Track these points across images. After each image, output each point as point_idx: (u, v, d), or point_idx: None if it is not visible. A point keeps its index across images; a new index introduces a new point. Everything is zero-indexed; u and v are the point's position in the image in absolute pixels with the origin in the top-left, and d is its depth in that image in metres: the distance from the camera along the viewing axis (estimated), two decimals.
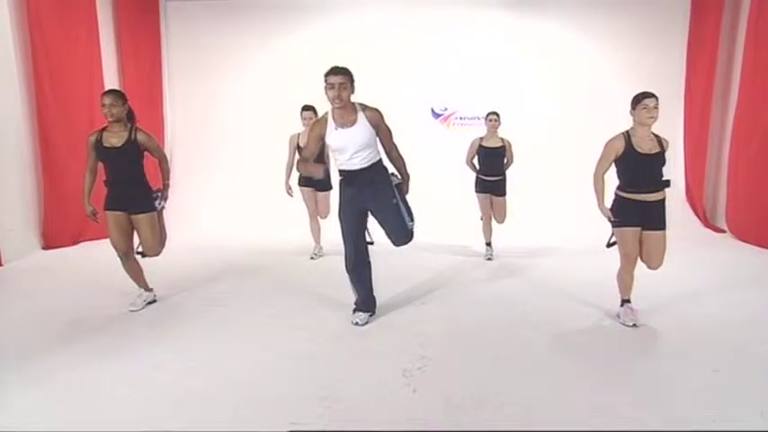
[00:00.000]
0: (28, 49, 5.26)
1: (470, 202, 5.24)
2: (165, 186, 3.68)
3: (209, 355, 2.96)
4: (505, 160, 5.02)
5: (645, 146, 3.18)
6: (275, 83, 7.28)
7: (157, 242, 3.64)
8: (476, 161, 5.07)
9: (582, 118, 6.91)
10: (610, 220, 3.33)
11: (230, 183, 7.26)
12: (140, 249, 3.66)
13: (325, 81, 3.07)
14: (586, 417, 2.32)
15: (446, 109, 7.41)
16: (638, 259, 3.34)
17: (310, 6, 7.20)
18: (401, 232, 3.31)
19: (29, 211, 5.40)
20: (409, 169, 3.38)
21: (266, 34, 7.30)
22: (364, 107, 3.17)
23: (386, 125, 3.21)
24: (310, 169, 3.29)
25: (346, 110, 3.12)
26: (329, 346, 3.09)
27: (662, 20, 6.94)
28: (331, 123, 3.16)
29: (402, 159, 3.33)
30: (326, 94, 3.08)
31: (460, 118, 7.37)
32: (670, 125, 6.18)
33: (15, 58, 5.18)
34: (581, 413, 2.35)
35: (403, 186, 3.35)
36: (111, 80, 6.37)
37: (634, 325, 3.32)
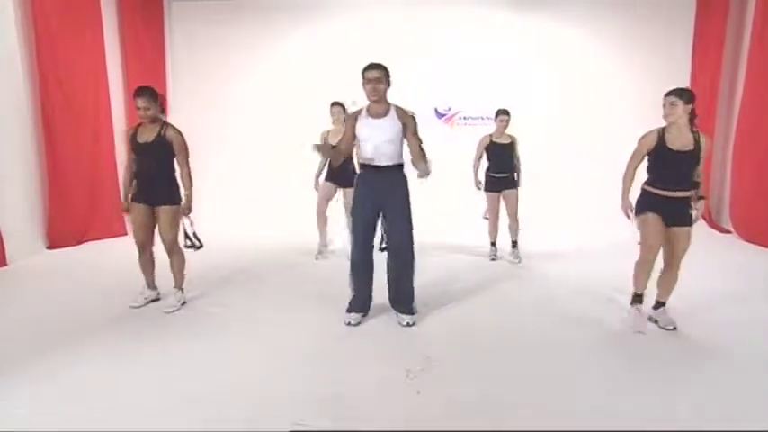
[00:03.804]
0: (33, 50, 5.27)
1: (475, 202, 5.22)
2: (188, 197, 3.59)
3: (211, 355, 2.95)
4: (514, 159, 5.02)
5: (677, 143, 3.13)
6: (279, 82, 7.30)
7: (174, 236, 3.59)
8: (483, 160, 5.08)
9: (586, 118, 6.90)
10: (627, 216, 3.31)
11: (234, 182, 7.28)
12: (188, 243, 3.71)
13: (363, 77, 3.20)
14: (590, 417, 2.30)
15: (450, 109, 7.40)
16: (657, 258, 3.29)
17: (314, 6, 7.20)
18: (404, 239, 3.31)
19: (33, 210, 5.41)
20: (413, 169, 3.36)
21: (270, 34, 7.32)
22: (399, 108, 3.27)
23: (415, 127, 3.26)
24: (334, 153, 3.38)
25: (380, 104, 3.24)
26: (332, 346, 3.09)
27: (667, 19, 6.91)
28: (364, 113, 3.27)
29: (423, 152, 3.25)
30: (364, 88, 3.21)
31: (464, 118, 7.36)
32: None
33: (20, 59, 5.19)
34: (584, 414, 2.34)
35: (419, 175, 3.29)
36: (115, 80, 6.39)
37: (640, 332, 3.26)
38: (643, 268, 3.30)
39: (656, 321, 3.36)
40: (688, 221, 3.21)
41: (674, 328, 3.26)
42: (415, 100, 7.02)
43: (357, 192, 3.37)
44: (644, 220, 3.24)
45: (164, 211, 3.54)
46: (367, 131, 3.23)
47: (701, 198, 3.27)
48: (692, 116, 3.16)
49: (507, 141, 4.98)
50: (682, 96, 3.10)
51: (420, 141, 3.28)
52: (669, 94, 3.14)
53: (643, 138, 3.24)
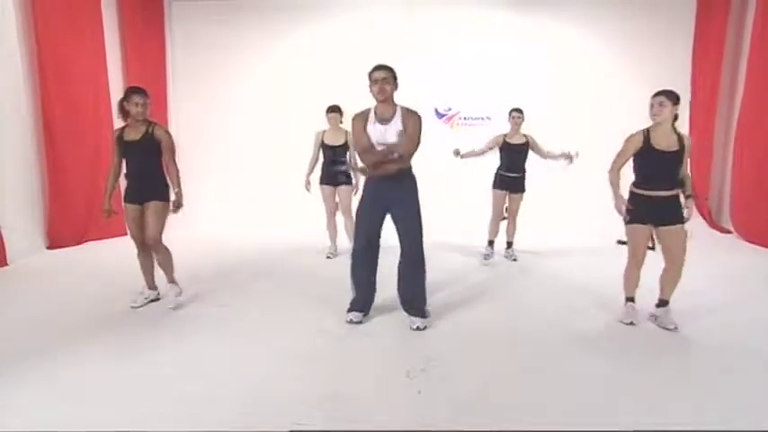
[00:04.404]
0: (33, 50, 5.27)
1: (474, 201, 5.22)
2: (178, 194, 3.61)
3: (211, 355, 2.95)
4: (528, 156, 5.02)
5: (662, 143, 3.17)
6: (279, 82, 7.30)
7: (158, 232, 3.59)
8: (484, 158, 5.09)
9: (586, 117, 6.89)
10: (624, 218, 3.32)
11: (235, 182, 7.28)
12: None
13: (370, 78, 3.17)
14: (590, 417, 2.30)
15: (450, 109, 7.39)
16: (649, 259, 3.32)
17: (314, 6, 7.20)
18: (414, 241, 3.30)
19: (33, 210, 5.41)
20: (414, 169, 3.34)
21: (270, 34, 7.32)
22: (405, 109, 3.22)
23: (415, 129, 3.17)
24: (381, 162, 3.18)
25: (387, 105, 3.20)
26: (333, 347, 3.08)
27: (668, 19, 6.91)
28: (372, 117, 3.24)
29: (407, 148, 3.18)
30: (371, 90, 3.18)
31: (464, 118, 7.36)
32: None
33: (21, 60, 5.19)
34: (584, 414, 2.34)
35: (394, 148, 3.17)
36: (115, 80, 6.38)
37: (631, 323, 3.34)
38: (631, 275, 3.41)
39: (656, 318, 3.37)
40: (680, 218, 3.23)
41: (675, 328, 3.26)
42: (414, 100, 7.06)
43: (365, 194, 3.36)
44: (632, 230, 3.30)
45: (151, 206, 3.55)
46: (374, 136, 3.20)
47: (689, 197, 3.29)
48: (675, 118, 3.22)
49: (521, 141, 4.98)
50: (670, 97, 3.15)
51: (414, 146, 3.18)
52: (658, 94, 3.19)
53: (630, 138, 3.28)
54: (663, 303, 3.37)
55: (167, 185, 3.63)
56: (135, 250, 3.71)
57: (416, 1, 7.13)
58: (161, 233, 3.61)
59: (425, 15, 7.12)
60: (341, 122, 4.96)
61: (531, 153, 5.06)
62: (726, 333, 3.24)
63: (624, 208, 3.27)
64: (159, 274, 3.78)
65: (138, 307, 3.67)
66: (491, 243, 5.17)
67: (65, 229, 5.58)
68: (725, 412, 2.34)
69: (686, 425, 2.24)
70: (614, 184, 3.32)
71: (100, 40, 6.05)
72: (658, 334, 3.26)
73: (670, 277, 3.31)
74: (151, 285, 3.80)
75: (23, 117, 5.27)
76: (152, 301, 3.77)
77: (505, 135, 5.02)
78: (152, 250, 3.66)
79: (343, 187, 5.06)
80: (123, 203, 3.64)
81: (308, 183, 5.17)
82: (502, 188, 5.03)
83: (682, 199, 3.28)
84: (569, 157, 4.92)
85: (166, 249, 3.68)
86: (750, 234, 6.04)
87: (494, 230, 5.16)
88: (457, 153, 5.06)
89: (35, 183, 5.45)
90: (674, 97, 3.15)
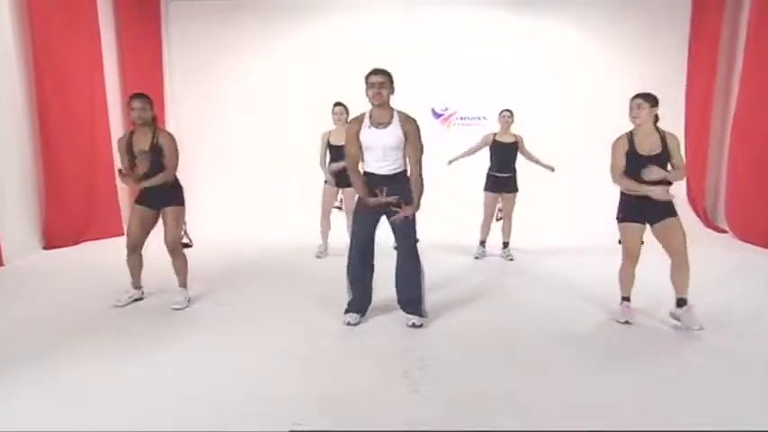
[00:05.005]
0: (29, 50, 5.24)
1: (471, 202, 5.22)
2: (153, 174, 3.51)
3: (210, 355, 2.95)
4: (518, 155, 5.06)
5: (645, 146, 3.22)
6: (277, 82, 7.28)
7: (178, 235, 3.65)
8: (477, 159, 5.11)
9: (582, 118, 6.92)
10: (617, 217, 3.34)
11: (232, 182, 7.26)
12: (185, 241, 3.72)
13: (366, 82, 3.17)
14: (587, 417, 2.31)
15: (447, 109, 7.40)
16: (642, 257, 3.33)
17: (312, 7, 7.19)
18: (409, 241, 3.31)
19: (29, 210, 5.38)
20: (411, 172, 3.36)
21: (268, 34, 7.31)
22: (402, 114, 3.22)
23: (417, 137, 3.19)
24: (358, 185, 3.26)
25: (384, 110, 3.19)
26: (331, 347, 3.08)
27: (663, 19, 6.94)
28: (366, 121, 3.24)
29: (420, 183, 3.21)
30: (367, 94, 3.18)
31: (461, 118, 7.36)
32: (671, 124, 6.17)
33: (16, 59, 5.16)
34: (582, 413, 2.34)
35: (405, 208, 3.16)
36: (112, 80, 6.36)
37: (626, 322, 3.36)
38: (626, 274, 3.42)
39: (677, 319, 3.29)
40: (672, 212, 3.24)
41: (700, 329, 3.16)
42: (412, 100, 7.05)
43: (361, 198, 3.35)
44: (624, 227, 3.33)
45: (170, 211, 3.60)
46: (370, 141, 3.20)
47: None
48: (656, 119, 3.26)
49: (511, 141, 5.00)
50: (647, 99, 3.19)
51: (421, 152, 3.21)
52: (635, 97, 3.23)
53: (616, 142, 3.31)
54: (681, 302, 3.27)
55: (181, 187, 3.68)
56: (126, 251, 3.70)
57: (416, 1, 7.13)
58: (180, 236, 3.67)
59: (425, 15, 7.13)
60: (347, 121, 4.93)
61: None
62: (724, 333, 3.25)
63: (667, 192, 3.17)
64: (153, 273, 3.81)
65: (122, 306, 3.68)
66: (482, 243, 5.19)
67: (61, 229, 5.55)
68: (725, 412, 2.35)
69: (686, 425, 2.25)
70: (626, 185, 3.26)
71: (96, 41, 6.01)
72: (657, 333, 3.27)
73: (679, 273, 3.26)
74: (137, 285, 3.82)
75: (19, 117, 5.23)
76: (136, 300, 3.79)
77: (495, 134, 5.04)
78: (170, 254, 3.69)
79: (347, 189, 5.04)
80: (134, 204, 3.65)
81: (326, 173, 5.06)
82: (493, 190, 5.05)
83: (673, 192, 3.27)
84: (551, 168, 5.12)
85: (184, 255, 3.74)
86: (746, 234, 6.06)
87: (485, 232, 5.18)
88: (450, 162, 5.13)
89: (31, 182, 5.41)
90: (651, 99, 3.20)
